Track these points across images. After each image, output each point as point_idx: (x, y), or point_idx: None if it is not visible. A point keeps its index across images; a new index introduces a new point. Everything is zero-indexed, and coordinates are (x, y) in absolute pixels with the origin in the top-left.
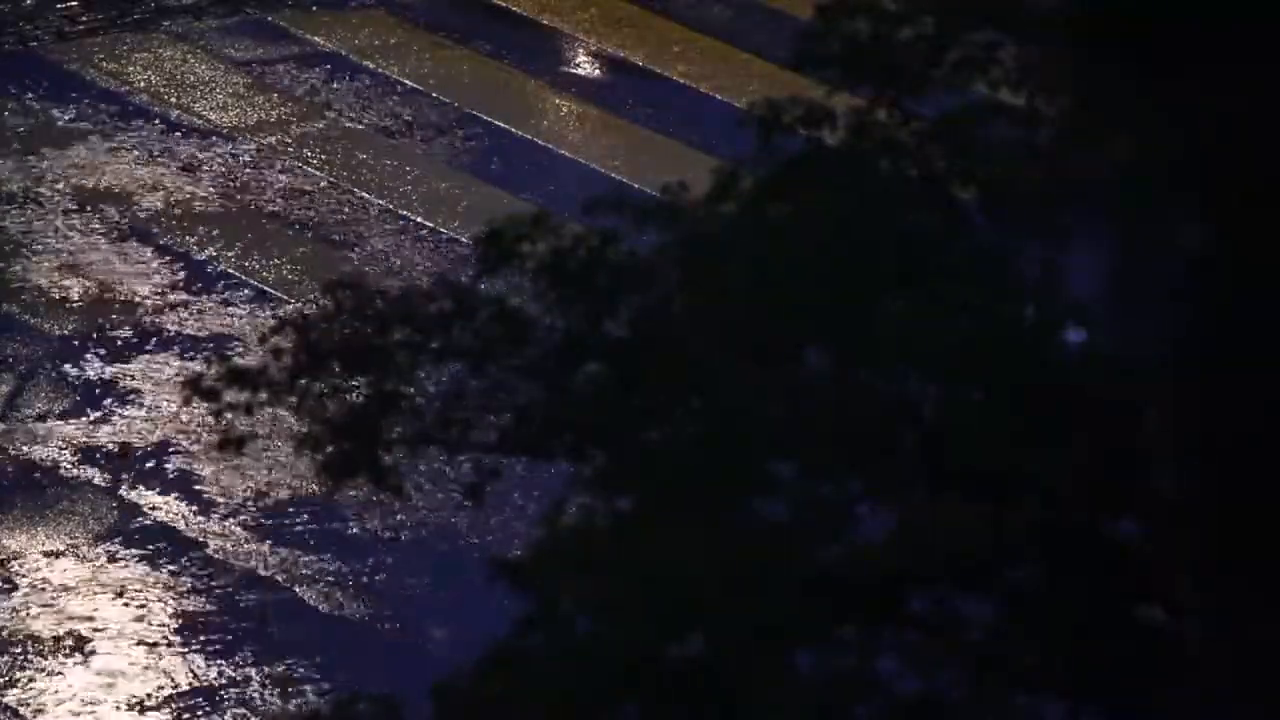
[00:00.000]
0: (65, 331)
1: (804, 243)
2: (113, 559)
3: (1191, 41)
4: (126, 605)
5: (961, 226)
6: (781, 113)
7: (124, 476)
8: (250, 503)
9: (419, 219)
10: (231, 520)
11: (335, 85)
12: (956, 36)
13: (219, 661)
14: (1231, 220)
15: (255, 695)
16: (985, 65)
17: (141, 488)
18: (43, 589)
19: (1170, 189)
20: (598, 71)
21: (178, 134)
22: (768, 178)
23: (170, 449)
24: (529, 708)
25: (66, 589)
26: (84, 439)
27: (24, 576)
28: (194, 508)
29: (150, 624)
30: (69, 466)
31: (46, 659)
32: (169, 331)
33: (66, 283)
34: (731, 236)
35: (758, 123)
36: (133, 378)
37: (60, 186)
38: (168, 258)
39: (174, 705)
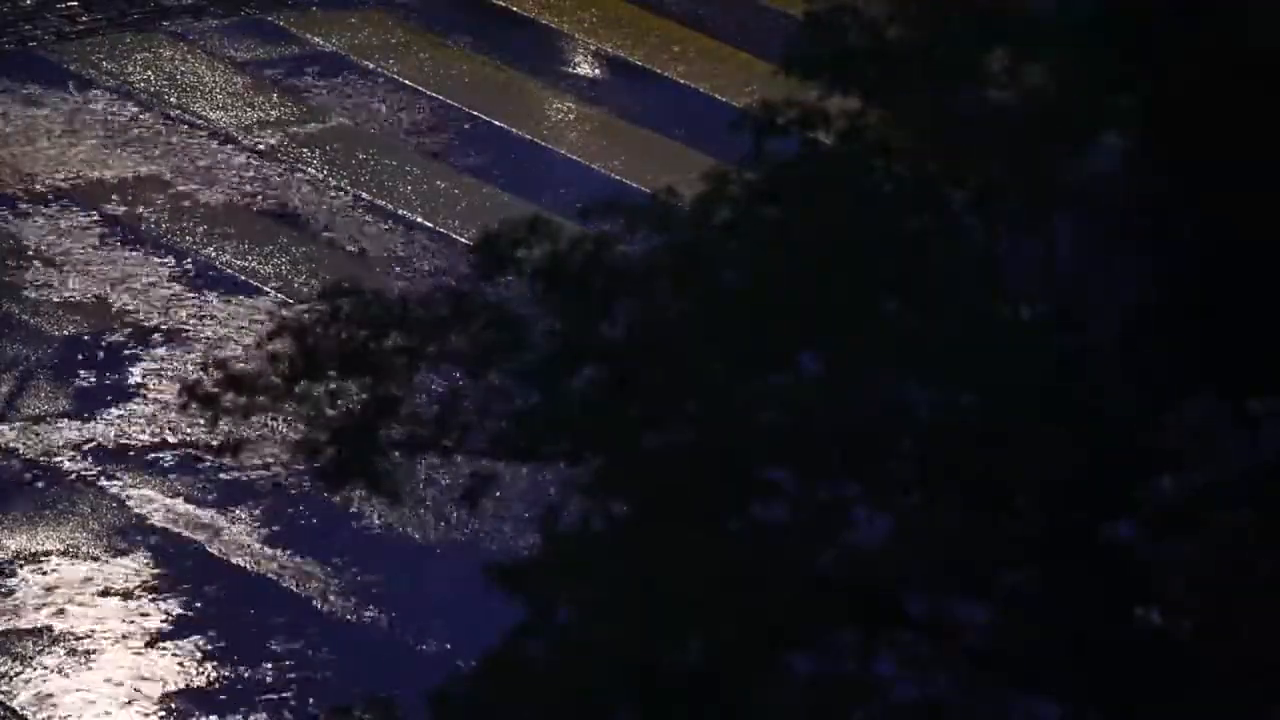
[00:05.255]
0: (65, 331)
1: (798, 245)
2: (113, 559)
3: (1183, 39)
4: (126, 605)
5: (956, 228)
6: (776, 115)
7: (124, 476)
8: (249, 504)
9: (419, 219)
10: (231, 520)
11: (335, 85)
12: (952, 38)
13: (219, 661)
14: (1225, 215)
15: (255, 695)
16: (979, 66)
17: (141, 488)
18: (43, 589)
19: (1162, 185)
20: (598, 71)
21: (178, 134)
22: (762, 180)
23: (170, 449)
24: (527, 713)
25: (67, 589)
26: (84, 439)
27: (24, 576)
28: (194, 508)
29: (150, 624)
30: (69, 466)
31: (46, 659)
32: (168, 331)
33: (66, 283)
34: (726, 240)
35: (752, 125)
36: (132, 378)
37: (60, 186)
38: (168, 258)
39: (174, 705)
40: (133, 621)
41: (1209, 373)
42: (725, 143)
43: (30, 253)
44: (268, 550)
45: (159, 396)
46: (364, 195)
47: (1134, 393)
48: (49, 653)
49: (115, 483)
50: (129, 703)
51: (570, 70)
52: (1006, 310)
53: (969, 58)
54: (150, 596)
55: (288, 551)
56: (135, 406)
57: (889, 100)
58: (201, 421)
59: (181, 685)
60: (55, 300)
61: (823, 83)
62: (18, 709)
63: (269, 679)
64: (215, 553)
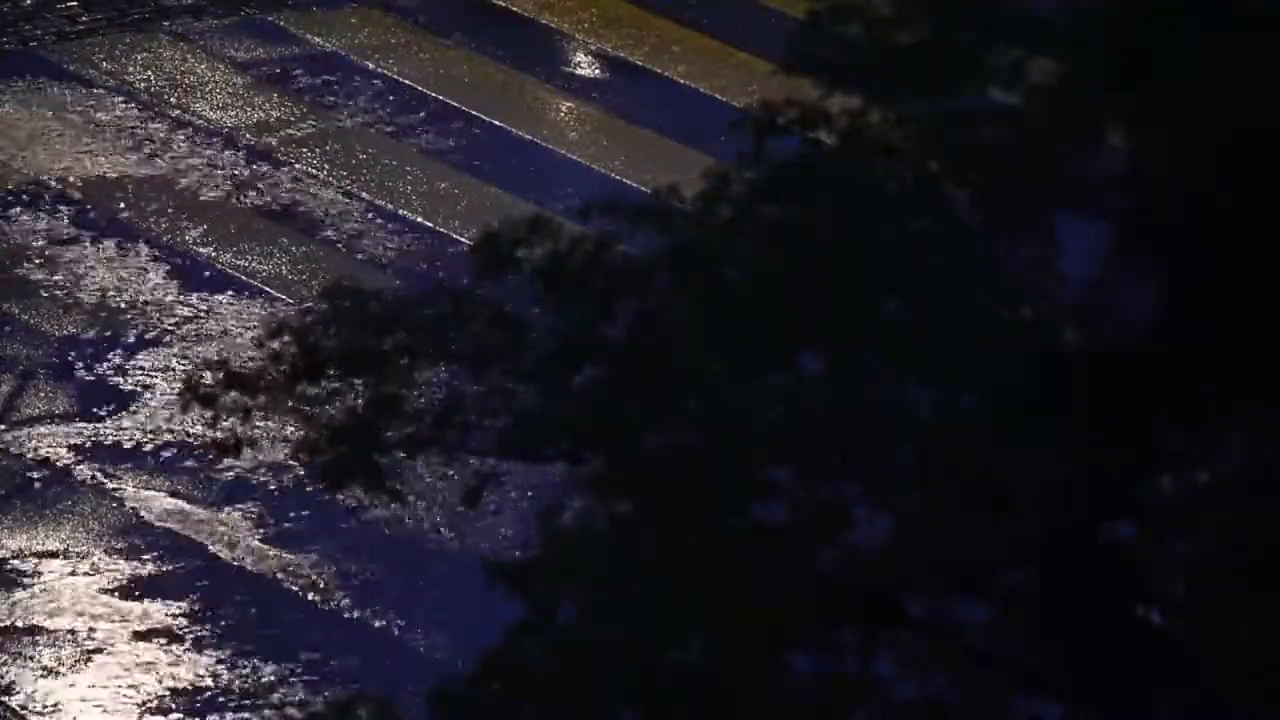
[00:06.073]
0: (65, 331)
1: (799, 246)
2: (113, 559)
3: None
4: (127, 605)
5: (957, 228)
6: (777, 114)
7: (124, 476)
8: (250, 504)
9: (419, 219)
10: (231, 520)
11: (335, 85)
12: (953, 38)
13: (219, 661)
14: (1226, 216)
15: (255, 695)
16: (981, 66)
17: (141, 488)
18: (43, 589)
19: (1164, 185)
20: (598, 71)
21: (178, 134)
22: (762, 180)
23: (170, 449)
24: (527, 713)
25: (66, 589)
26: (84, 439)
27: (24, 576)
28: (194, 508)
29: (150, 624)
30: (69, 466)
31: (47, 659)
32: (168, 331)
33: (66, 283)
34: (726, 240)
35: (753, 124)
36: (132, 378)
37: (59, 186)
38: (167, 258)
39: (174, 705)
40: (133, 621)
41: (1211, 372)
42: (725, 143)
43: (30, 253)
44: (268, 550)
45: (159, 396)
46: (364, 195)
47: (1137, 392)
48: (49, 653)
49: (115, 483)
50: (129, 703)
51: (570, 70)
52: (1007, 310)
53: (973, 56)
54: (150, 596)
55: (288, 551)
56: (135, 406)
57: (891, 99)
58: (202, 421)
59: (181, 685)
60: (55, 300)
61: (825, 81)
62: (17, 709)
63: (269, 679)
64: (215, 553)
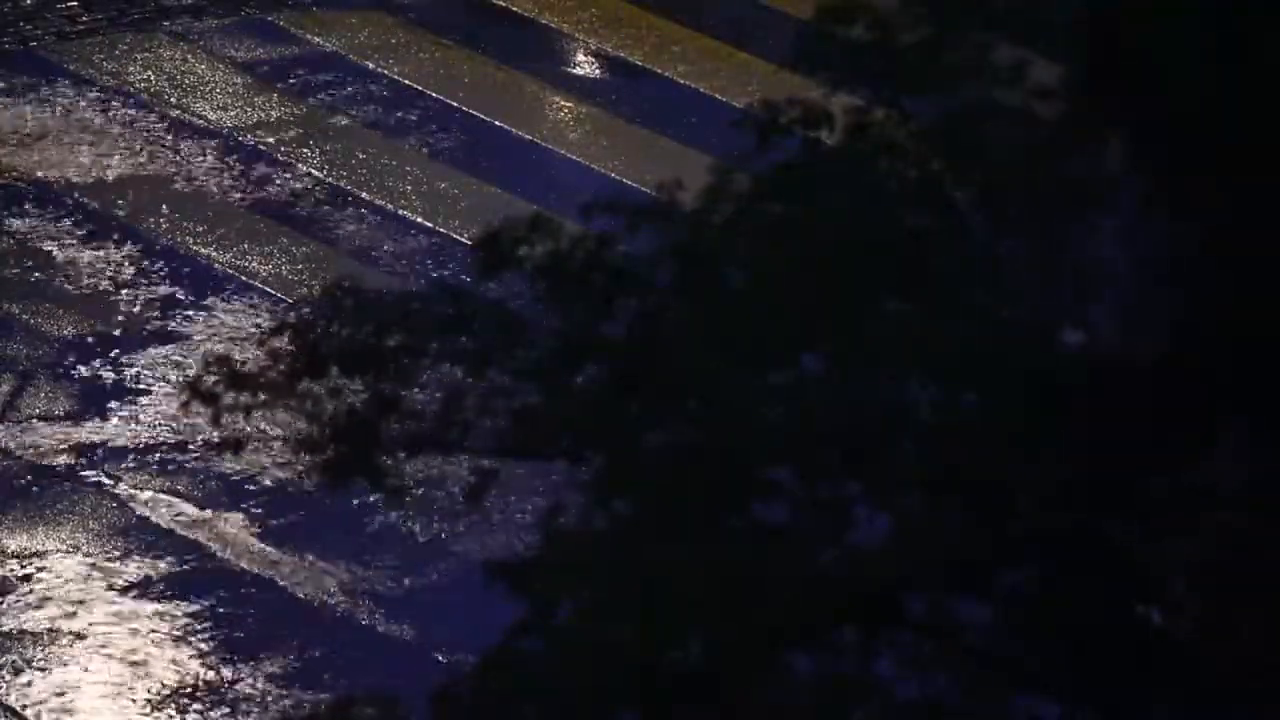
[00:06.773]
0: (65, 331)
1: (799, 245)
2: (113, 559)
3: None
4: (127, 605)
5: (959, 228)
6: (779, 113)
7: (124, 476)
8: (250, 503)
9: (419, 219)
10: (231, 520)
11: (335, 85)
12: (955, 38)
13: (219, 661)
14: (1226, 216)
15: (255, 695)
16: (983, 66)
17: (141, 488)
18: (43, 589)
19: (1165, 184)
20: (598, 71)
21: (178, 134)
22: (763, 179)
23: (170, 448)
24: (527, 713)
25: (67, 589)
26: (84, 439)
27: (24, 576)
28: (194, 508)
29: (150, 624)
30: (69, 466)
31: (47, 659)
32: (168, 331)
33: (66, 283)
34: (726, 239)
35: (754, 123)
36: (132, 378)
37: (59, 186)
38: (167, 257)
39: (174, 705)
40: (133, 621)
41: (1211, 372)
42: (725, 143)
43: (30, 253)
44: (268, 550)
45: (159, 396)
46: (364, 195)
47: (1137, 392)
48: (49, 652)
49: (115, 483)
50: (129, 703)
51: (570, 70)
52: (1007, 310)
53: (975, 56)
54: (150, 596)
55: (288, 551)
56: (135, 406)
57: (894, 98)
58: (203, 420)
59: (182, 685)
60: (55, 300)
61: (827, 80)
62: (18, 709)
63: (269, 679)
64: (215, 553)
